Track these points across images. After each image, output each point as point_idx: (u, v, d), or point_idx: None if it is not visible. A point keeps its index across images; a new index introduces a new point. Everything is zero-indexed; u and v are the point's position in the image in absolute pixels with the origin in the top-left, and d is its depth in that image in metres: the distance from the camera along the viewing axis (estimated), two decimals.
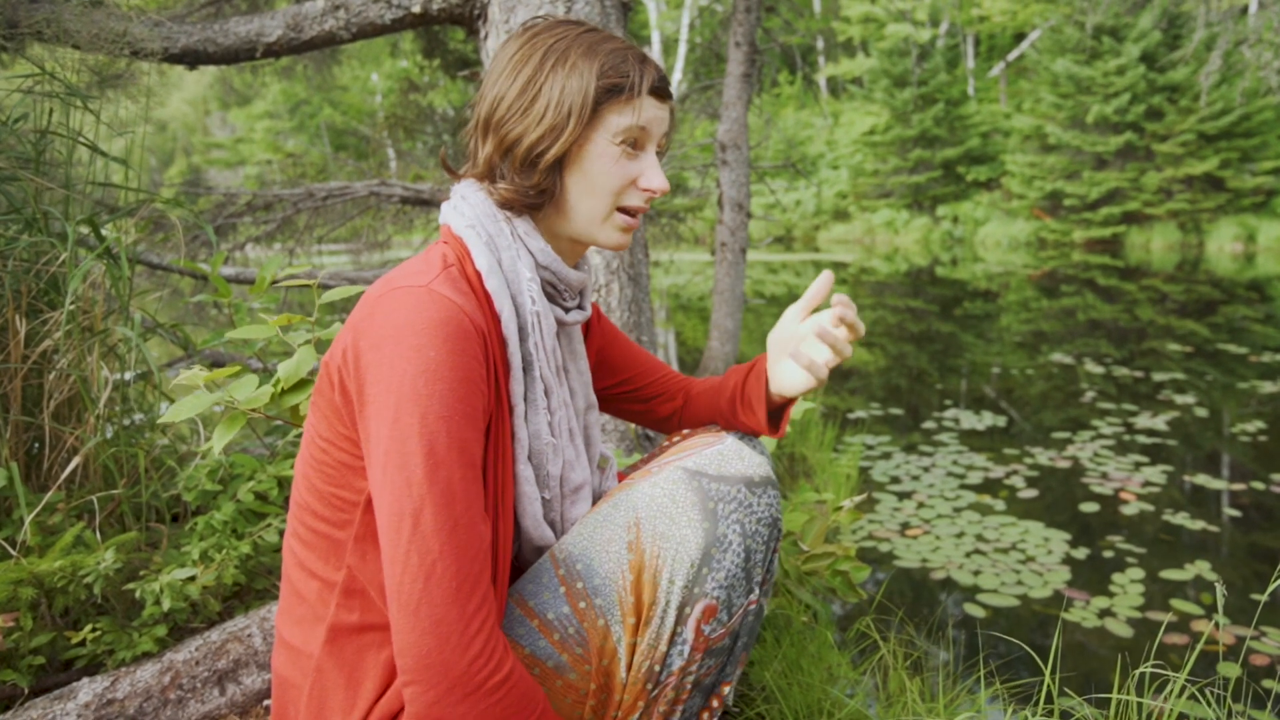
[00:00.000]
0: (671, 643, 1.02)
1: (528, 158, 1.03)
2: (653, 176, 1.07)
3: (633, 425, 2.60)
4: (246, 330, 1.54)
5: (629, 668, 1.03)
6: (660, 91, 1.07)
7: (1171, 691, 1.31)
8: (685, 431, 1.38)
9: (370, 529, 1.00)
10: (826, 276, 1.10)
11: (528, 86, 1.03)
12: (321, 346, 1.55)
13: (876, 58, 23.53)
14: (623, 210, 1.08)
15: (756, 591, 1.08)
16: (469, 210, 1.08)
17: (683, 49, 15.36)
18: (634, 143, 1.05)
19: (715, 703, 1.13)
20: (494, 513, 1.01)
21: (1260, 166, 17.96)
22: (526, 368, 1.07)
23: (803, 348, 1.13)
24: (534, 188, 1.05)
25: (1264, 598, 2.60)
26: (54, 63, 2.49)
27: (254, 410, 1.44)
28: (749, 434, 1.28)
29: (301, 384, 1.48)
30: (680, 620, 1.01)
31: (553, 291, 1.13)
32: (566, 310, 1.16)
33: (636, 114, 1.03)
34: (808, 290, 1.12)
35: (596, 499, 1.20)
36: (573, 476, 1.14)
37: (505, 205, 1.07)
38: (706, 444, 1.10)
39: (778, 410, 1.26)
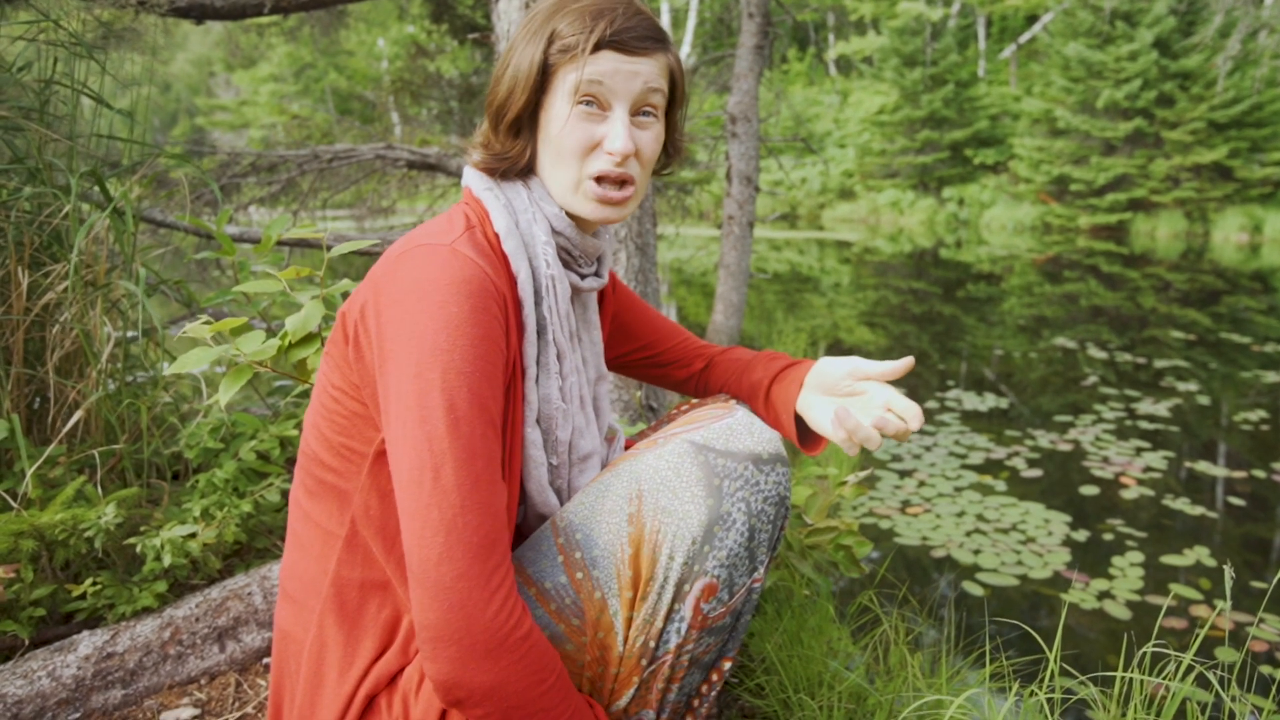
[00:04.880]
0: (668, 619, 1.00)
1: (496, 120, 1.06)
2: (614, 137, 1.02)
3: (637, 395, 2.58)
4: (255, 284, 1.52)
5: (625, 641, 1.01)
6: (624, 44, 1.00)
7: (1176, 673, 1.31)
8: (694, 401, 1.37)
9: (377, 481, 0.99)
10: (909, 361, 1.13)
11: (509, 51, 1.05)
12: (329, 302, 1.53)
13: (887, 36, 23.31)
14: (595, 179, 1.04)
15: (760, 570, 1.06)
16: (487, 174, 1.08)
17: (692, 21, 15.20)
18: (594, 101, 1.01)
19: (715, 677, 1.11)
20: (503, 475, 1.00)
21: (1269, 157, 17.82)
22: (540, 331, 1.05)
23: (855, 412, 1.15)
24: (504, 152, 1.06)
25: (1270, 587, 2.61)
26: (59, 12, 2.45)
27: (260, 364, 1.43)
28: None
29: (308, 338, 1.47)
30: (678, 597, 0.99)
31: (567, 257, 1.11)
32: (582, 277, 1.15)
33: (582, 69, 0.99)
34: (889, 364, 1.13)
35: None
36: (581, 444, 1.13)
37: (486, 173, 1.07)
38: (715, 416, 1.06)
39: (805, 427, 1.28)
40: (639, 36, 1.01)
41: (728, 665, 1.12)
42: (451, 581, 0.85)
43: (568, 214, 1.09)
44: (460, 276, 0.92)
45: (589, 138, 1.02)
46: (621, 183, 1.05)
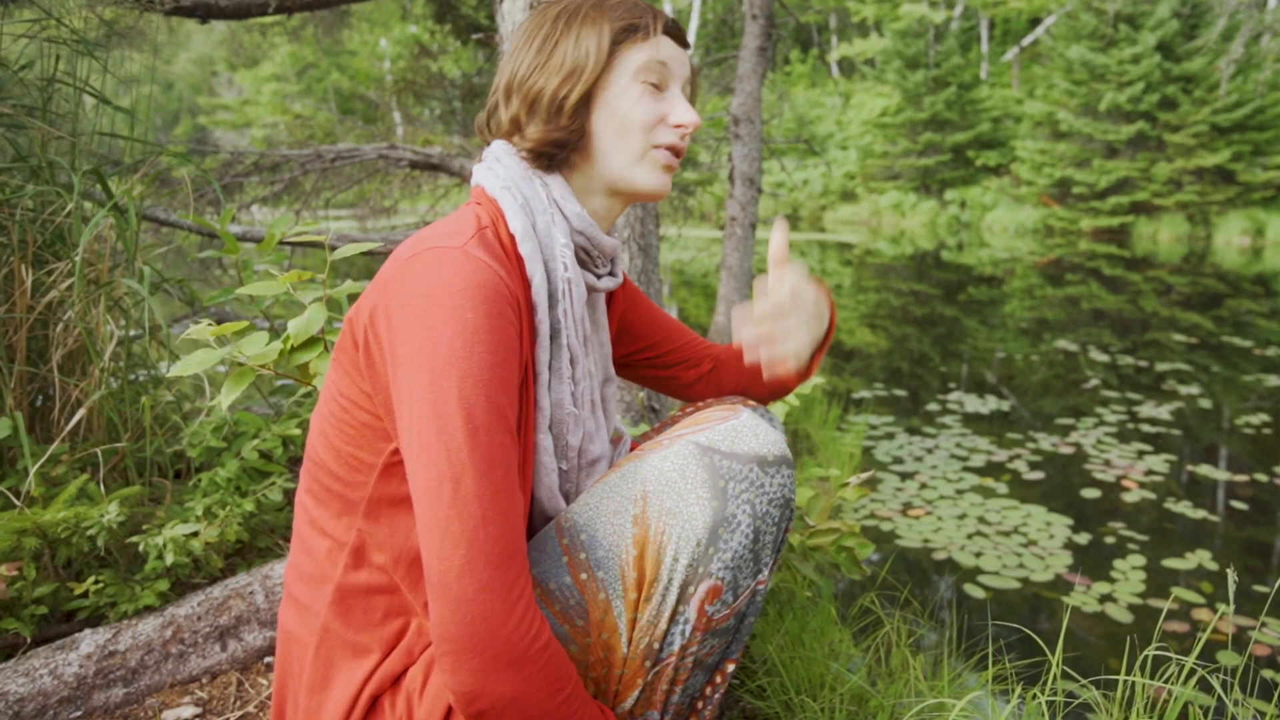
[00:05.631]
0: (673, 621, 0.99)
1: (553, 105, 1.04)
2: (683, 112, 1.07)
3: (640, 395, 2.58)
4: (257, 286, 1.51)
5: (629, 643, 1.01)
6: (677, 35, 1.08)
7: (1178, 677, 1.30)
8: (700, 403, 1.36)
9: (385, 492, 0.98)
10: (782, 224, 1.07)
11: (544, 44, 1.05)
12: (332, 304, 1.53)
13: (890, 38, 23.31)
14: (659, 148, 1.07)
15: (765, 573, 1.05)
16: (504, 172, 1.06)
17: (695, 23, 15.21)
18: (657, 82, 1.06)
19: (719, 679, 1.11)
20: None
21: (1271, 161, 17.82)
22: (554, 335, 1.04)
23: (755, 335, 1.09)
24: (562, 130, 1.04)
25: (1273, 591, 2.60)
26: (62, 10, 2.46)
27: (263, 367, 1.42)
28: (769, 401, 1.27)
29: (311, 342, 1.46)
30: (683, 599, 0.98)
31: (585, 258, 1.10)
32: (599, 277, 1.14)
33: (655, 49, 1.04)
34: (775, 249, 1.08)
35: None
36: (591, 449, 1.12)
37: (534, 154, 1.06)
38: (721, 418, 1.05)
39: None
40: (682, 31, 1.10)
41: (731, 667, 1.11)
42: (474, 594, 0.84)
43: (606, 204, 1.11)
44: (474, 280, 0.90)
45: (656, 113, 1.06)
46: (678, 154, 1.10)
